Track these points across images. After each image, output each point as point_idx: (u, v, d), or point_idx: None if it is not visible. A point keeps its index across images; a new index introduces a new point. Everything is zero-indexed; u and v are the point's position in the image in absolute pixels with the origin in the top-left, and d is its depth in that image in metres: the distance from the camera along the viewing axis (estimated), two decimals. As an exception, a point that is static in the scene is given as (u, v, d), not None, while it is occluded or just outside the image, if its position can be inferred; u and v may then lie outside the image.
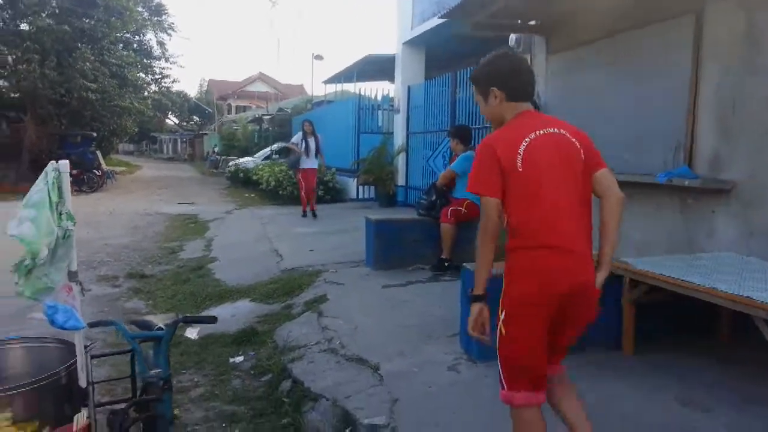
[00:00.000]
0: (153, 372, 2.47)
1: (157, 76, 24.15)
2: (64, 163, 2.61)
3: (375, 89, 25.32)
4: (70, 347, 2.92)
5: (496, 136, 2.31)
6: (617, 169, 5.38)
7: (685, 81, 4.52)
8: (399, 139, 11.93)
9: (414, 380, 3.51)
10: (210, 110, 55.18)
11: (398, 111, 11.90)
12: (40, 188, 2.57)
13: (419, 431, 2.94)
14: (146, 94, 22.89)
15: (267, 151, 23.52)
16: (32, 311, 5.90)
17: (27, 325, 5.53)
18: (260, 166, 19.39)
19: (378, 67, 14.16)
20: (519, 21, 6.43)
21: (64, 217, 2.58)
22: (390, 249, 6.41)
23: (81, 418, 2.40)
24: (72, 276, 2.66)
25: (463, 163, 6.05)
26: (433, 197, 6.25)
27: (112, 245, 9.04)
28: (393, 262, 6.36)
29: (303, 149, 10.65)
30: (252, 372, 4.27)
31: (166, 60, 23.57)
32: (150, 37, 23.58)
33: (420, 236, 6.47)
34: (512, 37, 6.78)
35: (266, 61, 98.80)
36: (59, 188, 2.58)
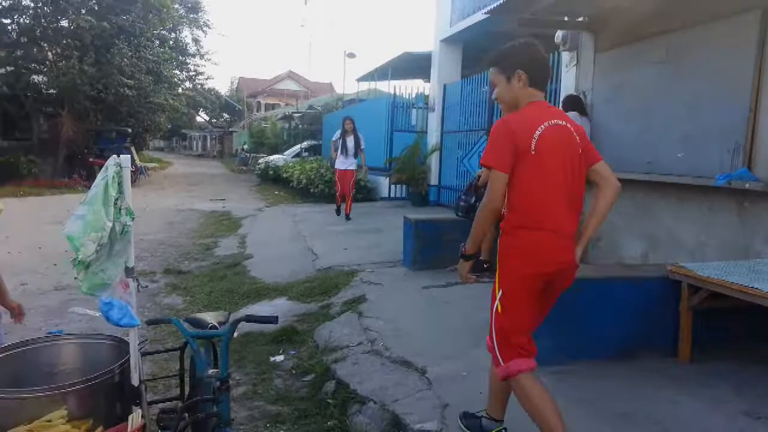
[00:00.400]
0: (211, 371, 2.41)
1: (191, 73, 24.41)
2: (126, 158, 2.57)
3: (408, 87, 25.30)
4: (120, 344, 2.90)
5: (515, 117, 2.45)
6: (669, 170, 5.23)
7: (747, 80, 4.33)
8: (433, 138, 11.82)
9: (463, 385, 3.41)
10: (240, 107, 55.64)
11: (433, 109, 11.78)
12: (97, 183, 2.53)
13: (474, 439, 2.84)
14: (180, 90, 23.11)
15: (297, 148, 23.60)
16: (73, 305, 5.98)
17: (68, 318, 5.59)
18: (290, 164, 19.44)
19: (414, 65, 14.05)
20: (566, 17, 6.28)
21: (123, 212, 2.54)
22: (428, 249, 6.32)
23: (136, 418, 2.36)
24: (129, 272, 2.63)
25: None
26: (473, 199, 6.13)
27: (148, 241, 9.10)
28: (431, 263, 6.27)
29: (339, 148, 10.04)
30: (293, 371, 4.21)
31: (201, 57, 23.79)
32: (186, 34, 23.89)
33: (459, 237, 6.32)
34: (558, 33, 6.62)
35: (296, 59, 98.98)
36: (119, 183, 2.54)
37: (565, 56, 6.97)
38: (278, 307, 5.70)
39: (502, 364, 2.51)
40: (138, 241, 8.98)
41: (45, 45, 17.66)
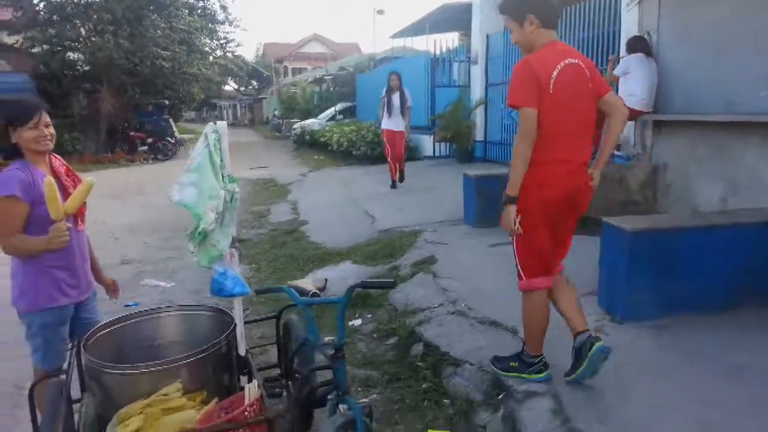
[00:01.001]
0: (327, 339, 2.37)
1: (221, 41, 24.25)
2: (223, 125, 2.49)
3: (446, 41, 24.46)
4: (217, 314, 2.88)
5: (534, 58, 2.60)
6: (750, 110, 4.95)
7: None
8: (477, 92, 11.52)
9: (560, 344, 3.29)
10: (268, 74, 55.38)
11: (476, 62, 11.44)
12: (200, 151, 2.47)
13: (585, 398, 2.75)
14: (212, 59, 23.01)
15: (331, 111, 23.37)
16: (143, 278, 6.06)
17: (140, 291, 5.66)
18: (327, 128, 19.29)
19: (453, 17, 13.61)
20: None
21: (227, 179, 2.48)
22: (491, 205, 6.12)
23: (253, 389, 2.33)
24: (233, 241, 2.58)
25: None
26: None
27: (201, 211, 9.15)
28: (494, 219, 6.03)
29: (385, 107, 9.17)
30: (374, 335, 4.19)
31: (230, 24, 23.55)
32: (213, 1, 23.58)
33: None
34: (620, -28, 6.28)
35: (321, 20, 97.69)
36: (220, 150, 2.48)
37: (626, -5, 6.62)
38: (345, 271, 5.67)
39: (524, 279, 2.85)
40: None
41: (77, 21, 17.65)
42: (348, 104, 23.37)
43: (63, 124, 17.14)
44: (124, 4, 16.31)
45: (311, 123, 22.54)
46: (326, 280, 2.98)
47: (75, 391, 2.56)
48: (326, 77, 28.59)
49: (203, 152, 2.45)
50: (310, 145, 20.43)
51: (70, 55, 18.32)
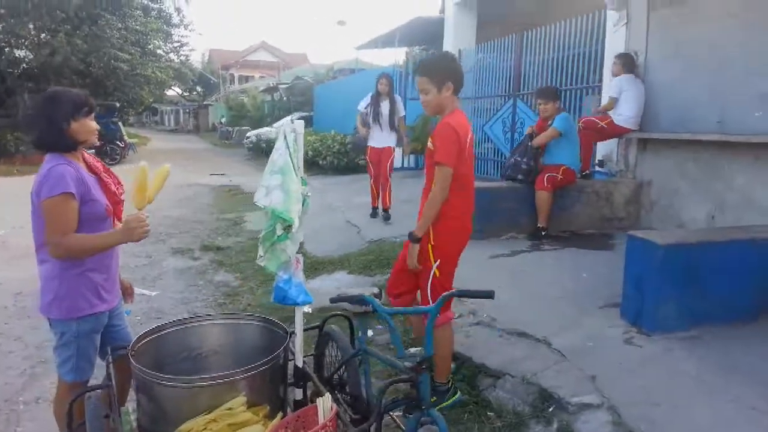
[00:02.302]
0: (413, 350, 2.27)
1: (175, 44, 23.54)
2: (300, 123, 2.37)
3: (394, 56, 24.71)
4: (264, 323, 2.73)
5: (454, 122, 2.90)
6: (747, 129, 5.13)
7: None
8: (447, 105, 11.58)
9: (597, 356, 3.32)
10: (215, 80, 54.28)
11: (447, 77, 11.52)
12: (281, 152, 2.33)
13: (641, 410, 2.75)
14: (164, 63, 22.29)
15: (287, 120, 23.02)
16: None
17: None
18: (287, 137, 19.01)
19: (423, 30, 13.67)
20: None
21: (301, 181, 2.35)
22: (482, 217, 6.11)
23: (326, 402, 2.19)
24: (300, 247, 2.45)
25: (564, 122, 5.80)
26: (532, 161, 6.00)
27: (170, 217, 8.80)
28: (486, 232, 6.12)
29: (371, 118, 7.38)
30: (391, 347, 4.08)
31: (185, 27, 22.92)
32: (168, 4, 22.92)
33: (514, 204, 6.24)
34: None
35: (267, 29, 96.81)
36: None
37: (612, 15, 6.80)
38: (341, 281, 5.55)
39: (441, 314, 2.88)
40: (161, 217, 8.71)
41: (26, 18, 16.77)
42: (304, 114, 23.17)
43: (6, 124, 16.27)
44: (77, 2, 15.60)
45: (266, 131, 22.19)
46: (380, 290, 2.86)
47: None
48: (280, 86, 28.24)
49: (284, 153, 2.32)
50: (266, 153, 20.06)
51: (16, 52, 17.36)
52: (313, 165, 14.28)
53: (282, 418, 2.30)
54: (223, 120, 40.13)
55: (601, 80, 7.34)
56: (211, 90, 56.25)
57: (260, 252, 2.40)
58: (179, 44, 23.72)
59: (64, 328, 2.48)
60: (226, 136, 33.80)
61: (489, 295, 2.19)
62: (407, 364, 2.35)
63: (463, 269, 5.09)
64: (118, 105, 19.35)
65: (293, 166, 2.35)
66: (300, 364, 2.53)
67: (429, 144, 3.03)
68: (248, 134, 23.92)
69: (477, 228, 5.97)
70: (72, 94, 2.50)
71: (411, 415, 2.29)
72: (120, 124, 19.56)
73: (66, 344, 2.50)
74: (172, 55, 23.67)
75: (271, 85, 30.84)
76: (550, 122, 5.89)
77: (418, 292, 3.21)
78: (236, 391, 2.27)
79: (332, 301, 2.58)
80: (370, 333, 4.36)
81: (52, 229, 2.30)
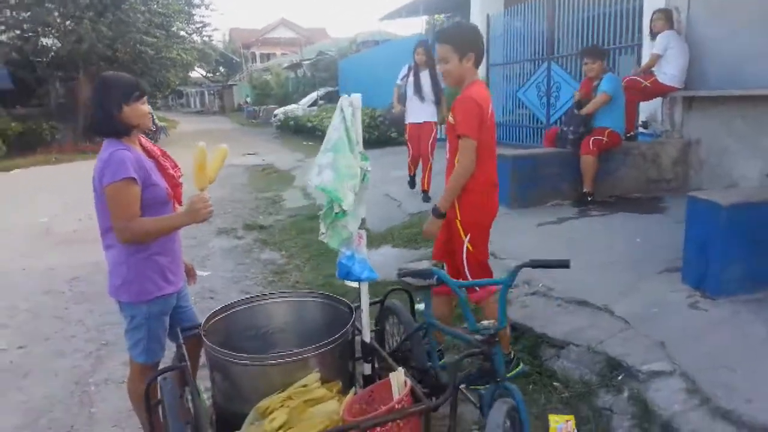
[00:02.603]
0: (486, 323, 2.23)
1: (198, 25, 23.49)
2: (357, 97, 2.31)
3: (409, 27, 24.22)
4: (326, 300, 2.73)
5: (475, 94, 2.84)
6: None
7: None
8: (479, 72, 11.36)
9: (663, 322, 3.25)
10: (237, 60, 54.28)
11: (477, 43, 11.29)
12: (336, 127, 2.29)
13: (716, 376, 2.68)
14: (188, 44, 22.29)
15: (313, 96, 23.02)
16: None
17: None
18: (314, 113, 19.00)
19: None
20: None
21: (359, 156, 2.31)
22: (525, 186, 6.06)
23: (399, 377, 2.18)
24: (362, 223, 2.42)
25: (613, 84, 5.63)
26: (581, 128, 5.85)
27: (210, 198, 8.86)
28: (530, 200, 6.04)
29: (411, 90, 6.79)
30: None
31: (206, 7, 22.82)
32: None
33: (557, 170, 6.12)
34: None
35: (284, 4, 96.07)
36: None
37: (652, -30, 6.55)
38: (386, 255, 5.53)
39: (478, 291, 3.00)
40: (200, 199, 8.74)
41: (51, 5, 16.88)
42: (329, 89, 23.07)
43: (40, 113, 16.54)
44: (100, -12, 15.68)
45: (294, 109, 22.17)
46: (442, 264, 2.82)
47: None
48: (304, 62, 28.10)
49: (339, 128, 2.28)
50: (295, 131, 20.10)
51: (44, 41, 17.53)
52: (343, 140, 14.24)
53: (355, 394, 2.30)
54: (248, 99, 40.22)
55: (640, 38, 7.10)
56: (233, 70, 56.27)
57: (322, 229, 2.37)
58: (201, 24, 23.64)
59: (134, 312, 2.51)
60: (252, 115, 33.87)
61: (564, 264, 2.14)
62: (478, 337, 2.33)
63: (513, 239, 5.08)
64: (147, 89, 19.45)
65: (350, 141, 2.30)
66: (368, 339, 2.52)
67: (450, 118, 2.95)
68: (275, 112, 23.92)
69: (520, 196, 6.05)
70: (123, 78, 2.50)
71: (483, 388, 2.26)
72: (150, 108, 19.70)
73: (137, 327, 2.53)
74: (195, 36, 23.62)
75: (294, 61, 30.76)
76: (596, 83, 5.72)
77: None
78: (308, 368, 2.28)
79: (400, 275, 2.56)
80: (421, 306, 4.35)
81: (117, 214, 2.31)
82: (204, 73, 57.15)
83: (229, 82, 54.41)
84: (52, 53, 17.66)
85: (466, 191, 2.91)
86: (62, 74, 17.58)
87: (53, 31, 17.28)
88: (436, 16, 17.30)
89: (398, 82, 7.20)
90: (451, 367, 2.22)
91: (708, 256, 3.49)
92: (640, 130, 6.77)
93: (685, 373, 2.72)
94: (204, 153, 2.30)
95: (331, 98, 22.40)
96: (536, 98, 9.63)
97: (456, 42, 2.84)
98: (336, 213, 2.26)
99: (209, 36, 26.90)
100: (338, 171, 2.23)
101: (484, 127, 2.82)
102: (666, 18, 5.91)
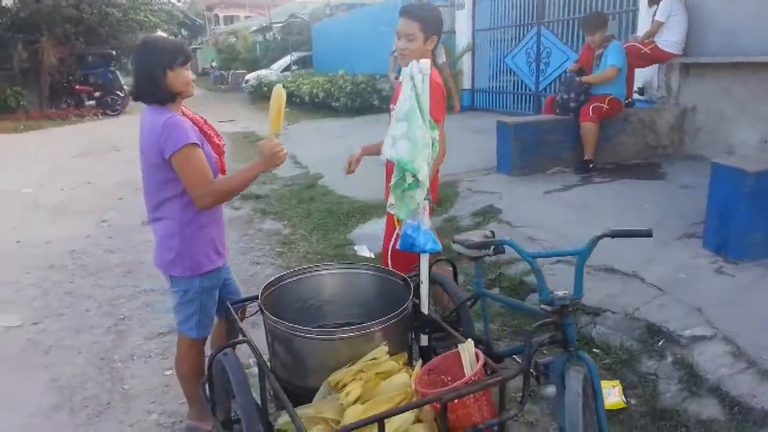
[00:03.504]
0: (561, 293, 2.23)
1: (164, -15, 22.60)
2: (426, 63, 2.23)
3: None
4: (377, 271, 2.69)
5: (439, 79, 2.83)
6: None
7: None
8: (463, 38, 11.28)
9: (693, 287, 3.32)
10: (200, 22, 52.53)
11: (462, 6, 11.16)
12: (407, 96, 2.22)
13: (758, 339, 2.76)
14: (156, 5, 21.44)
15: (286, 61, 22.49)
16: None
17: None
18: (290, 78, 18.60)
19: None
20: None
21: (427, 125, 2.25)
22: (527, 153, 6.08)
23: (470, 348, 2.17)
24: (427, 193, 2.37)
25: (621, 55, 5.63)
26: (582, 96, 5.86)
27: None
28: (533, 167, 6.07)
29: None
30: (468, 287, 4.07)
31: (173, -34, 21.92)
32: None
33: (557, 137, 6.14)
34: None
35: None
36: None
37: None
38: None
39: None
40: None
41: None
42: (303, 54, 22.57)
43: (3, 78, 15.77)
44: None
45: (267, 74, 21.65)
46: (492, 232, 2.81)
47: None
48: (274, 25, 27.38)
49: (411, 96, 2.21)
50: (268, 97, 19.56)
51: (3, 1, 16.62)
52: (323, 107, 14.02)
53: (422, 365, 2.29)
54: (214, 64, 39.13)
55: (635, 4, 7.11)
56: (196, 33, 54.46)
57: (390, 200, 2.32)
58: (169, -15, 22.80)
59: (187, 285, 2.45)
60: (220, 80, 33.02)
61: (647, 234, 2.14)
62: (543, 306, 2.33)
63: (523, 206, 5.11)
64: (114, 53, 18.75)
65: (420, 110, 2.24)
66: (426, 311, 2.50)
67: None
68: (247, 77, 23.30)
69: (521, 164, 6.07)
70: (167, 42, 2.40)
71: (555, 357, 2.28)
72: (117, 73, 19.04)
73: (189, 301, 2.47)
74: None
75: (264, 24, 29.91)
76: (599, 51, 5.72)
77: None
78: (374, 341, 2.25)
79: (469, 246, 2.53)
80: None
81: (195, 181, 2.26)
82: (165, 36, 55.20)
83: (193, 46, 52.73)
84: (13, 14, 16.78)
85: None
86: (23, 36, 16.72)
87: (13, -9, 16.41)
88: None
89: (393, 51, 7.03)
90: (526, 337, 2.21)
91: (730, 222, 3.57)
92: (636, 96, 6.82)
93: (727, 337, 2.80)
94: (281, 96, 2.31)
95: (305, 63, 21.93)
96: (525, 64, 9.61)
97: (425, 20, 2.75)
98: (408, 184, 2.20)
99: (177, -2, 25.90)
100: (414, 141, 2.17)
101: (442, 113, 2.84)
102: None
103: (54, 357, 3.46)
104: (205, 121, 2.62)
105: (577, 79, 5.86)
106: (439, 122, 2.66)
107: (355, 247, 5.08)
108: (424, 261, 2.47)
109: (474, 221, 5.04)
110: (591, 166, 5.92)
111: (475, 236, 2.72)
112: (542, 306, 2.33)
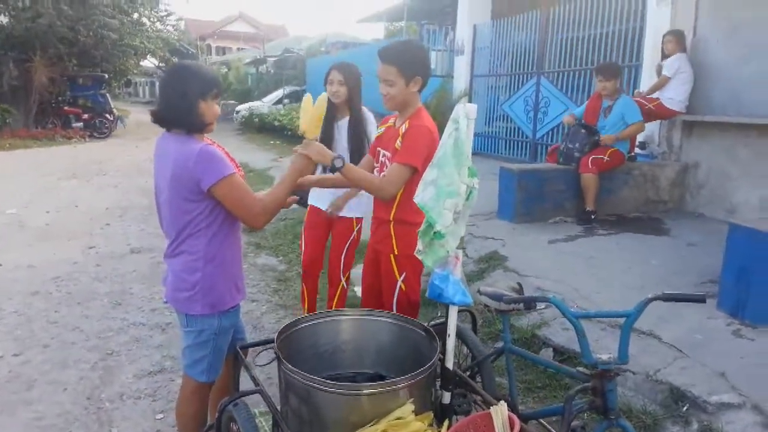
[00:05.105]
0: (606, 357, 2.10)
1: (162, 13, 22.67)
2: (473, 108, 2.14)
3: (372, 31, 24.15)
4: (396, 320, 2.55)
5: (431, 125, 2.61)
6: None
7: None
8: (461, 83, 11.37)
9: (713, 350, 3.21)
10: (192, 51, 52.74)
11: (461, 52, 11.28)
12: (443, 141, 2.13)
13: (787, 410, 2.64)
14: (152, 32, 21.46)
15: (278, 94, 22.53)
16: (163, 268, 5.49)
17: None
18: (282, 111, 18.61)
19: (431, 6, 13.35)
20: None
21: (467, 171, 2.15)
22: (531, 201, 6.03)
23: (503, 411, 2.02)
24: (460, 242, 2.25)
25: (637, 109, 5.67)
26: (587, 147, 5.84)
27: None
28: (534, 215, 6.00)
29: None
30: (479, 337, 3.93)
31: (172, -4, 22.06)
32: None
33: (559, 186, 6.11)
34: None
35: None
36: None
37: (657, -8, 6.63)
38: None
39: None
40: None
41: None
42: (295, 88, 22.66)
43: (-9, 94, 15.53)
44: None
45: (259, 106, 21.65)
46: (519, 284, 2.69)
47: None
48: (269, 58, 27.55)
49: (447, 142, 2.12)
50: (259, 129, 19.62)
51: (-1, 19, 16.51)
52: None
53: (449, 427, 2.14)
54: (204, 93, 39.08)
55: (638, 59, 7.19)
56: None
57: (419, 246, 2.21)
58: (166, 13, 22.86)
59: (204, 325, 2.29)
60: (209, 109, 32.87)
61: (701, 299, 2.04)
62: (580, 369, 2.21)
63: (529, 255, 5.01)
64: (106, 76, 18.63)
65: (457, 155, 2.14)
66: (450, 366, 2.36)
67: (397, 143, 2.65)
68: (237, 108, 23.31)
69: (523, 211, 6.00)
70: (204, 70, 2.30)
71: (596, 425, 2.14)
72: (108, 96, 18.89)
73: (204, 342, 2.31)
74: (158, 24, 22.78)
75: (258, 57, 30.08)
76: (609, 102, 5.74)
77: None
78: (398, 397, 2.10)
79: (506, 301, 2.40)
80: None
81: (247, 203, 2.20)
82: (156, 63, 55.30)
83: (183, 75, 52.80)
84: (6, 32, 16.63)
85: (402, 223, 2.65)
86: (15, 55, 16.54)
87: (9, 9, 16.25)
88: (393, 23, 17.14)
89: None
90: (566, 402, 2.08)
91: (748, 284, 3.49)
92: (638, 150, 6.85)
93: (757, 406, 2.68)
94: (323, 102, 2.46)
95: (297, 97, 21.98)
96: (523, 112, 9.67)
97: (402, 63, 2.55)
98: (434, 233, 2.09)
99: (173, 25, 26.02)
100: (439, 188, 2.08)
101: (427, 162, 2.34)
102: (677, 40, 5.96)
103: (37, 393, 3.23)
104: (226, 152, 2.50)
105: (597, 137, 5.80)
106: (407, 165, 2.52)
107: (355, 288, 4.91)
108: (453, 313, 2.34)
109: (478, 267, 4.92)
110: (593, 217, 5.88)
111: (503, 288, 2.60)
112: (580, 369, 2.20)
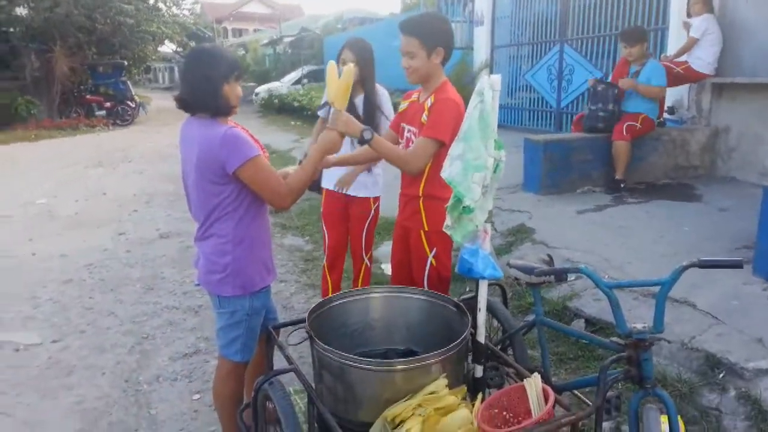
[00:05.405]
0: (641, 326, 2.07)
1: (177, -3, 22.67)
2: (497, 79, 2.10)
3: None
4: (427, 296, 2.55)
5: (456, 97, 2.59)
6: None
7: None
8: (482, 54, 11.19)
9: (749, 316, 3.14)
10: (209, 34, 52.75)
11: (481, 23, 11.09)
12: (469, 113, 2.09)
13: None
14: (169, 17, 21.50)
15: (297, 74, 22.46)
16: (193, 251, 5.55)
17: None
18: (302, 91, 18.56)
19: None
20: None
21: (493, 144, 2.11)
22: (557, 172, 5.94)
23: (537, 383, 2.01)
24: (489, 216, 2.23)
25: (663, 75, 5.52)
26: (611, 105, 5.71)
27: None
28: (561, 186, 5.92)
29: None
30: (510, 310, 3.91)
31: (187, -20, 22.02)
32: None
33: (586, 156, 6.01)
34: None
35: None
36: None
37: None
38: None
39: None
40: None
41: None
42: (314, 67, 22.55)
43: (15, 87, 15.73)
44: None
45: (278, 87, 21.62)
46: (550, 256, 2.66)
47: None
48: (286, 38, 27.43)
49: (472, 114, 2.08)
50: (279, 110, 19.62)
51: (19, 10, 16.60)
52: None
53: (483, 400, 2.14)
54: (223, 76, 39.11)
55: (664, 22, 6.99)
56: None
57: (447, 221, 2.19)
58: (182, -3, 22.89)
59: (236, 306, 2.31)
60: (229, 92, 32.92)
61: (738, 264, 1.98)
62: (614, 339, 2.18)
63: (557, 227, 4.95)
64: (126, 63, 18.75)
65: (483, 128, 2.10)
66: (482, 340, 2.35)
67: (423, 117, 2.61)
68: (257, 90, 23.30)
69: (550, 183, 5.92)
70: (225, 53, 2.29)
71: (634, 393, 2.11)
72: (128, 83, 19.03)
73: (237, 323, 2.34)
74: (174, 9, 22.81)
75: (275, 38, 29.96)
76: (637, 67, 5.59)
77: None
78: (431, 372, 2.10)
79: (536, 274, 2.38)
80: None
81: (273, 185, 2.21)
82: (174, 48, 55.46)
83: (201, 58, 52.89)
84: (27, 23, 16.78)
85: (432, 198, 2.61)
86: (36, 46, 16.72)
87: (28, 0, 16.37)
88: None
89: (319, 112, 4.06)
90: (601, 372, 2.05)
91: (786, 249, 3.41)
92: (666, 116, 6.69)
93: (797, 372, 2.63)
94: (350, 72, 2.30)
95: (317, 77, 21.89)
96: (546, 81, 9.48)
97: (423, 34, 2.53)
98: (464, 207, 2.07)
99: (189, 9, 26.02)
100: (466, 162, 2.05)
101: (454, 136, 2.30)
102: (704, 0, 5.77)
103: (77, 378, 3.31)
104: (250, 134, 2.49)
105: (614, 90, 5.68)
106: (434, 139, 2.49)
107: (382, 266, 4.93)
108: (483, 287, 2.32)
109: (506, 240, 4.88)
110: (622, 185, 5.78)
111: (532, 261, 2.57)
112: (614, 339, 2.18)
